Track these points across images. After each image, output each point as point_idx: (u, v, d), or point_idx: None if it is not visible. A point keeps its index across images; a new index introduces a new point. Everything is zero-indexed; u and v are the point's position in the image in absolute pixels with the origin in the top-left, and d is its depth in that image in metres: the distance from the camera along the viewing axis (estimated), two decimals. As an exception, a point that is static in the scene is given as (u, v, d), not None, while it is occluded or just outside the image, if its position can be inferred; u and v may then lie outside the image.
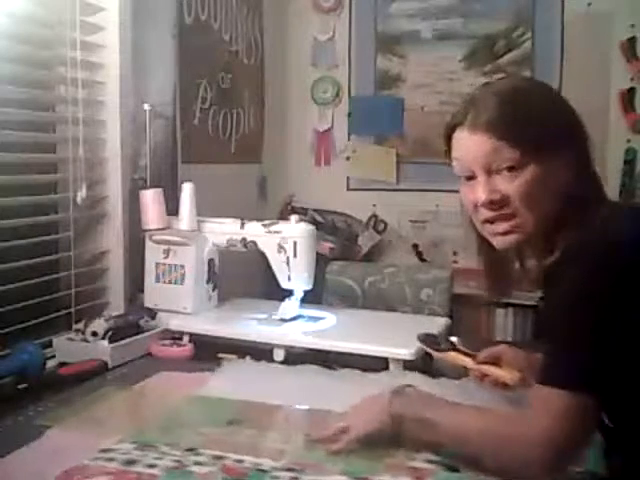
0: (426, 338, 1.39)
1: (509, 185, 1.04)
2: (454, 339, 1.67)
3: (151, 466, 1.05)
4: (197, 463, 1.06)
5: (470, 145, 1.08)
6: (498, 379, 1.27)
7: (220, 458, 1.07)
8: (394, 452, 1.09)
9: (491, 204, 1.06)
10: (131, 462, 1.06)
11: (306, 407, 1.31)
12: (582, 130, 1.09)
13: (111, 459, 1.07)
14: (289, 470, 1.04)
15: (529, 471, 0.97)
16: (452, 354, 1.32)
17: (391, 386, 1.15)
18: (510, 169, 1.04)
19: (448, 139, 1.14)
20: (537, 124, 1.04)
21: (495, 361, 1.29)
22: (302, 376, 1.49)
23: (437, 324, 1.75)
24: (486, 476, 1.01)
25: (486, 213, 1.08)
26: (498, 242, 1.10)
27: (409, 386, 1.13)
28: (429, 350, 1.37)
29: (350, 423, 1.13)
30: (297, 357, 1.60)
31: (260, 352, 1.62)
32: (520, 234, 1.07)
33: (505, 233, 1.07)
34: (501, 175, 1.05)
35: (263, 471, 1.04)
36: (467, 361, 1.31)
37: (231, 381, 1.45)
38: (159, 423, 1.23)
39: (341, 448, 1.10)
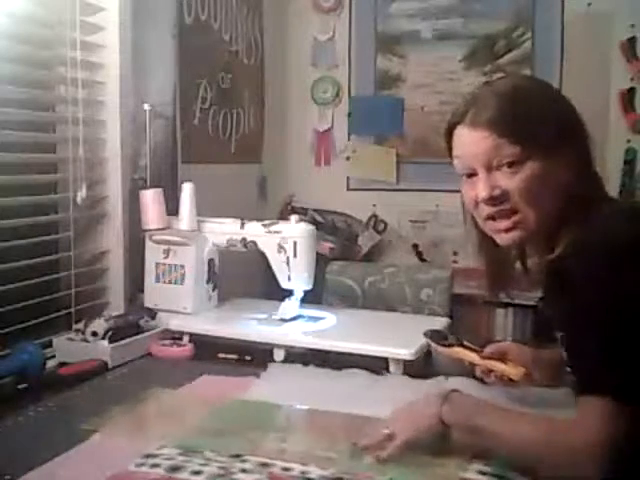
0: (432, 334, 1.39)
1: (509, 181, 1.05)
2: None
3: (196, 473, 1.02)
4: (243, 470, 1.03)
5: (471, 142, 1.09)
6: (503, 374, 1.27)
7: (266, 465, 1.05)
8: (445, 462, 1.06)
9: (492, 200, 1.07)
10: (176, 468, 1.04)
11: (355, 413, 1.26)
12: (583, 128, 1.10)
13: (156, 465, 1.05)
14: (337, 479, 1.02)
15: (582, 476, 0.96)
16: (458, 349, 1.33)
17: (434, 390, 1.13)
18: (510, 165, 1.05)
19: (449, 137, 1.15)
20: (537, 121, 1.05)
21: (501, 357, 1.30)
22: (350, 381, 1.45)
23: (437, 324, 1.75)
24: None
25: (487, 210, 1.08)
26: (501, 239, 1.10)
27: (455, 391, 1.11)
28: (435, 345, 1.36)
29: (396, 429, 1.09)
30: (297, 357, 1.60)
31: (260, 352, 1.62)
32: (522, 231, 1.08)
33: (507, 230, 1.08)
34: (501, 171, 1.06)
35: (310, 479, 1.01)
36: (473, 356, 1.31)
37: (277, 386, 1.42)
38: (204, 428, 1.20)
39: (389, 455, 1.07)
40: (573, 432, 0.98)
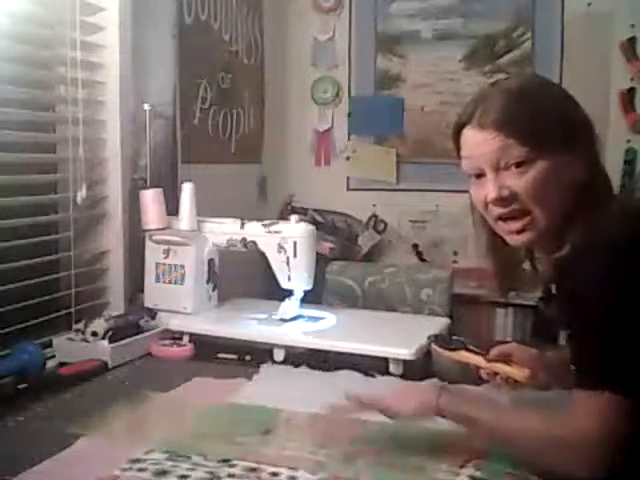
0: (436, 338, 1.39)
1: (518, 181, 1.06)
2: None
3: (183, 477, 1.02)
4: (230, 475, 1.03)
5: (478, 143, 1.08)
6: (509, 377, 1.28)
7: (254, 470, 1.05)
8: (436, 466, 1.06)
9: (501, 201, 1.07)
10: (162, 473, 1.03)
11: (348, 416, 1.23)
12: (590, 128, 1.10)
13: (142, 469, 1.04)
14: None
15: (578, 471, 0.97)
16: (463, 353, 1.33)
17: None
18: (518, 165, 1.05)
19: (456, 137, 1.13)
20: (544, 121, 1.05)
21: (505, 359, 1.30)
22: (342, 383, 1.42)
23: (437, 324, 1.75)
24: (532, 475, 1.02)
25: (497, 210, 1.09)
26: (513, 240, 1.11)
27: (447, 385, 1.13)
28: (440, 350, 1.37)
29: (391, 403, 1.13)
30: (297, 357, 1.60)
31: (260, 352, 1.62)
32: (533, 231, 1.08)
33: (519, 231, 1.09)
34: (510, 171, 1.06)
35: None
36: (478, 360, 1.31)
37: (268, 388, 1.41)
38: (193, 432, 1.19)
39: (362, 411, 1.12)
40: (569, 425, 0.99)
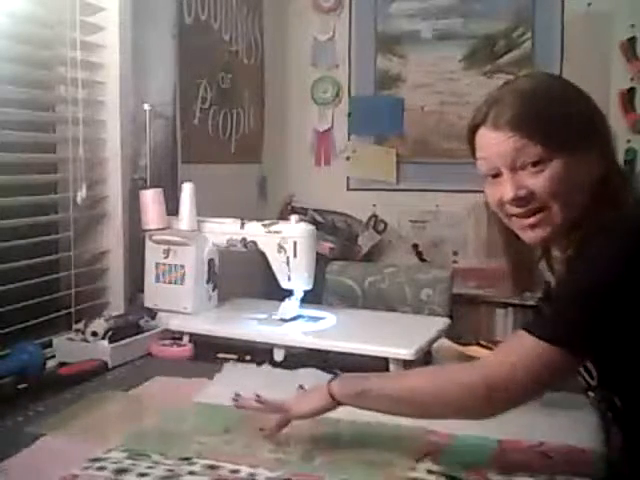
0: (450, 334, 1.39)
1: (535, 180, 1.06)
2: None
3: (142, 475, 1.02)
4: (191, 473, 1.03)
5: (494, 143, 1.08)
6: None
7: (215, 468, 1.05)
8: (394, 461, 1.07)
9: (518, 200, 1.07)
10: (122, 471, 1.03)
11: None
12: (605, 125, 1.11)
13: (102, 468, 1.04)
14: None
15: (475, 406, 1.01)
16: (475, 348, 1.33)
17: None
18: (535, 164, 1.05)
19: (471, 138, 1.14)
20: (559, 120, 1.06)
21: None
22: (303, 381, 1.41)
23: (437, 324, 1.75)
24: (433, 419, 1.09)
25: (514, 210, 1.09)
26: (528, 236, 1.11)
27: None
28: (453, 345, 1.37)
29: (290, 405, 1.17)
30: (297, 357, 1.60)
31: (260, 352, 1.62)
32: (548, 227, 1.08)
33: (533, 226, 1.09)
34: (526, 171, 1.06)
35: None
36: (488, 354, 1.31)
37: (230, 387, 1.38)
38: (152, 431, 1.20)
39: (277, 425, 1.16)
40: (478, 369, 1.03)
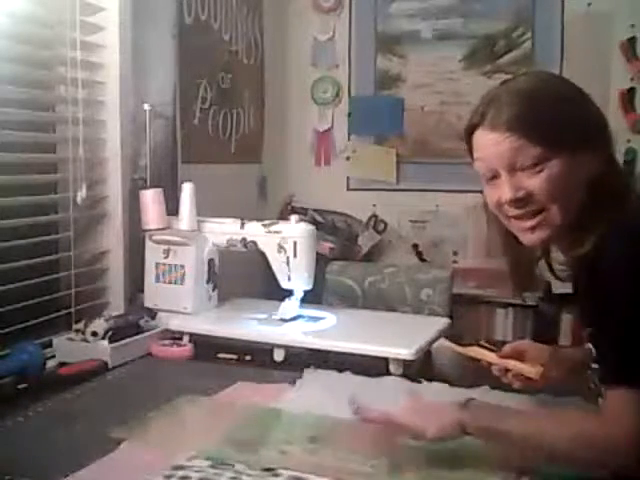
0: (448, 335, 1.38)
1: (533, 181, 1.05)
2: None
3: None
4: None
5: (492, 145, 1.07)
6: (521, 373, 1.27)
7: None
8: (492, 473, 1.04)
9: (517, 202, 1.06)
10: None
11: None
12: (604, 123, 1.10)
13: (185, 477, 1.02)
14: None
15: (614, 465, 0.98)
16: (475, 349, 1.32)
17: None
18: (533, 165, 1.04)
19: (468, 139, 1.12)
20: (557, 121, 1.04)
21: (518, 356, 1.29)
22: (388, 390, 1.40)
23: (437, 324, 1.75)
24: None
25: (513, 211, 1.08)
26: (528, 239, 1.10)
27: (472, 399, 1.09)
28: (453, 345, 1.36)
29: (423, 425, 1.07)
30: (297, 357, 1.60)
31: (260, 352, 1.62)
32: (547, 228, 1.07)
33: (533, 229, 1.08)
34: (525, 172, 1.05)
35: None
36: (490, 356, 1.31)
37: (314, 394, 1.38)
38: (235, 438, 1.16)
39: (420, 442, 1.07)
40: (603, 425, 0.98)
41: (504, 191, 1.06)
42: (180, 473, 1.04)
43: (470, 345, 1.33)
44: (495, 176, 1.08)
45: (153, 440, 1.17)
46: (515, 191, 1.05)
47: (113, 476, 1.05)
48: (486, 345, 1.33)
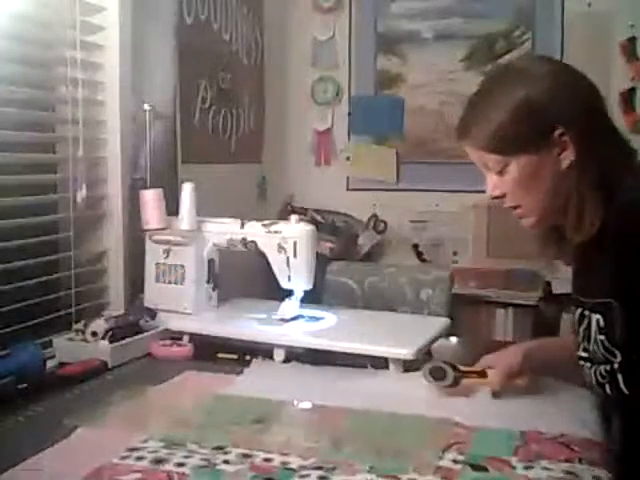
0: (434, 372, 1.37)
1: (501, 183, 1.19)
2: (454, 339, 1.68)
3: (180, 465, 1.04)
4: (225, 462, 1.05)
5: (468, 152, 1.22)
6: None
7: (248, 457, 1.07)
8: (421, 451, 1.09)
9: (495, 198, 1.21)
10: (160, 461, 1.05)
11: (332, 405, 1.29)
12: (582, 104, 1.15)
13: (140, 458, 1.06)
14: (317, 469, 1.03)
15: None
16: (465, 382, 1.34)
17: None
18: (500, 169, 1.17)
19: None
20: (501, 127, 1.14)
21: (483, 370, 1.34)
22: (326, 375, 1.49)
23: (437, 324, 1.75)
24: None
25: (501, 202, 1.22)
26: (523, 223, 1.22)
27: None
28: (439, 386, 1.36)
29: (497, 362, 1.31)
30: (297, 357, 1.60)
31: (260, 352, 1.62)
32: (532, 217, 1.20)
33: (520, 217, 1.21)
34: (496, 174, 1.19)
35: (292, 470, 1.03)
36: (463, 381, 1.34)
37: (258, 381, 1.44)
38: (186, 422, 1.22)
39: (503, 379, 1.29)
40: None
41: (487, 189, 1.22)
42: (135, 454, 1.08)
43: (456, 384, 1.33)
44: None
45: (106, 425, 1.21)
46: (492, 190, 1.21)
47: (69, 458, 1.08)
48: (469, 370, 1.34)
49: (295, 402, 1.32)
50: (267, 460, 1.06)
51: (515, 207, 1.20)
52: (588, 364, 1.21)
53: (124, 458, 1.06)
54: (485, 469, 1.03)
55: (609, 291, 1.11)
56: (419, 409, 1.26)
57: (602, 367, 1.17)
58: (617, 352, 1.13)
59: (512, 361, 1.32)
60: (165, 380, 1.45)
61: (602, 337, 1.14)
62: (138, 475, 1.01)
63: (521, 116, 1.13)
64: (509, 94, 1.15)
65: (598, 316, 1.14)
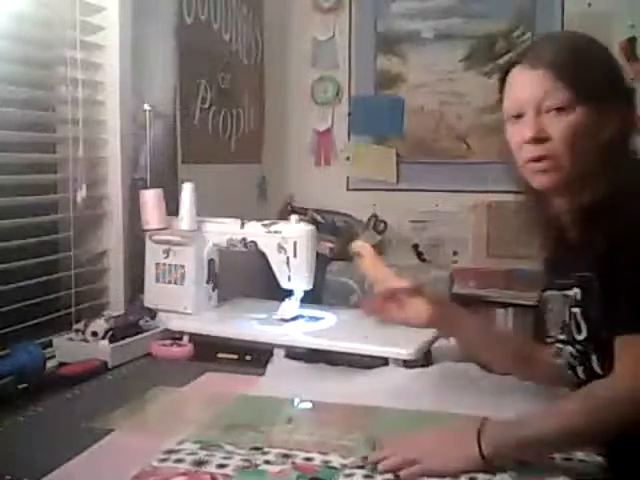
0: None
1: (556, 125, 1.09)
2: (454, 339, 1.67)
3: (222, 466, 1.03)
4: (267, 462, 1.05)
5: (527, 82, 1.12)
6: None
7: (288, 456, 1.07)
8: None
9: (536, 141, 1.10)
10: (201, 463, 1.04)
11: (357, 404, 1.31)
12: (629, 88, 1.17)
13: (179, 460, 1.05)
14: (360, 467, 1.03)
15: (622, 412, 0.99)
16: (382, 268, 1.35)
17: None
18: (559, 110, 1.09)
19: (504, 77, 1.18)
20: (593, 71, 1.11)
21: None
22: (344, 375, 1.49)
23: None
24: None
25: (531, 151, 1.12)
26: (539, 181, 1.14)
27: (485, 419, 1.05)
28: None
29: (422, 455, 1.02)
30: (297, 357, 1.60)
31: (260, 352, 1.62)
32: (559, 173, 1.11)
33: (545, 171, 1.12)
34: (550, 114, 1.10)
35: (335, 468, 1.03)
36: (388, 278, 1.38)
37: (280, 382, 1.44)
38: (215, 424, 1.21)
39: (404, 477, 1.01)
40: (617, 383, 1.01)
41: (526, 130, 1.11)
42: (174, 456, 1.06)
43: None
44: (520, 115, 1.13)
45: (137, 429, 1.20)
46: (537, 131, 1.10)
47: (104, 464, 1.06)
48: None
49: (320, 401, 1.32)
50: (308, 459, 1.06)
51: (552, 156, 1.10)
52: (560, 345, 1.20)
53: (163, 461, 1.05)
54: None
55: (592, 265, 1.09)
56: (443, 406, 1.27)
57: (575, 348, 1.15)
58: (584, 328, 1.12)
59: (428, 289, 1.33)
60: (186, 382, 1.44)
61: (577, 309, 1.12)
62: (184, 478, 1.00)
63: (616, 65, 1.14)
64: (604, 49, 1.17)
65: (576, 290, 1.12)
